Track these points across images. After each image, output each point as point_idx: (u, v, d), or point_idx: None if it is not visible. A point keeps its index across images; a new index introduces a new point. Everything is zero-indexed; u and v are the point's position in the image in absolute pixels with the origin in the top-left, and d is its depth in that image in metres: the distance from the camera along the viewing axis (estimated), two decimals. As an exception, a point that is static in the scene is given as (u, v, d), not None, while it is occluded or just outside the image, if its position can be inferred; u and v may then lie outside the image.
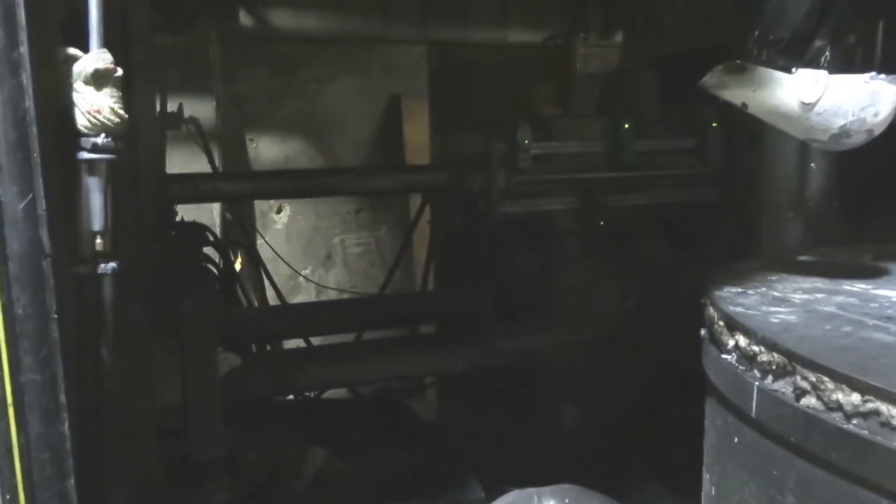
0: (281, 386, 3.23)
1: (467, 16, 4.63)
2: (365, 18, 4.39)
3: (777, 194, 2.53)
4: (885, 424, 0.97)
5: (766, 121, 1.55)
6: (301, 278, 4.81)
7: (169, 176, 3.10)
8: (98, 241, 1.59)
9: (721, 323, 1.33)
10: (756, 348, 1.20)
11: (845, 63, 1.82)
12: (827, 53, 1.77)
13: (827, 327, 1.26)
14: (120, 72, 1.55)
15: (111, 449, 1.70)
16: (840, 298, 1.43)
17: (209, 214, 4.27)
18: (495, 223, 3.14)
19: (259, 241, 4.57)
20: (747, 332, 1.24)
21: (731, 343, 1.28)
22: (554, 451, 3.08)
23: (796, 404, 1.09)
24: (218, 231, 4.17)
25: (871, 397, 0.99)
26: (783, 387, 1.13)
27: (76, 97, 1.50)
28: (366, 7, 4.38)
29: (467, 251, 3.62)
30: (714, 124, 3.16)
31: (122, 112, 1.55)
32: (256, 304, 4.11)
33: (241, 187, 3.40)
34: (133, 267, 1.95)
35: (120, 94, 1.55)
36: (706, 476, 1.42)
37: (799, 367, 1.10)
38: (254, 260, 4.12)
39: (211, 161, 4.27)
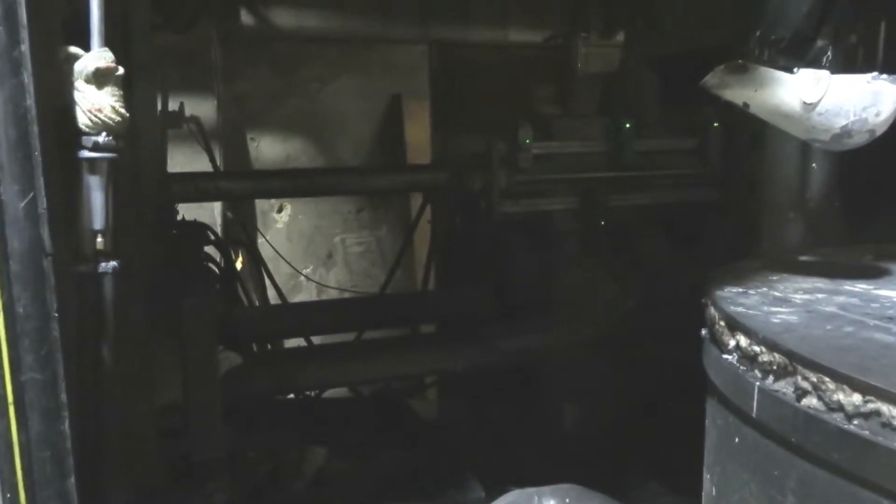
0: (281, 385, 3.23)
1: (468, 15, 4.62)
2: (366, 18, 4.39)
3: (778, 194, 2.53)
4: (886, 425, 0.97)
5: (767, 121, 1.55)
6: (302, 277, 4.81)
7: (170, 175, 3.10)
8: (99, 239, 1.59)
9: (722, 323, 1.33)
10: (757, 348, 1.20)
11: (847, 63, 1.82)
12: (829, 53, 1.76)
13: (828, 327, 1.26)
14: (121, 70, 1.56)
15: (111, 448, 1.71)
16: (841, 299, 1.43)
17: (210, 213, 4.26)
18: (496, 223, 3.14)
19: (260, 241, 4.56)
20: (748, 333, 1.23)
21: (732, 343, 1.28)
22: (554, 451, 3.08)
23: (797, 404, 1.09)
24: (219, 230, 4.17)
25: (872, 398, 0.99)
26: (784, 387, 1.13)
27: (77, 96, 1.51)
28: (367, 7, 4.37)
29: (468, 251, 3.62)
30: (715, 124, 3.15)
31: (123, 111, 1.55)
32: (257, 303, 4.11)
33: (242, 186, 3.40)
34: (134, 266, 1.95)
35: (121, 92, 1.55)
36: (707, 476, 1.42)
37: (800, 368, 1.10)
38: (255, 259, 4.12)
39: (212, 160, 4.26)
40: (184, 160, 4.14)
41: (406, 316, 3.71)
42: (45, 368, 1.36)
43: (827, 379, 1.05)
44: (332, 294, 4.84)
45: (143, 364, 2.22)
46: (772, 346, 1.16)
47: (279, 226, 4.77)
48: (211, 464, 2.63)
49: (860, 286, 1.52)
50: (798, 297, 1.44)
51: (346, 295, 4.80)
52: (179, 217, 3.18)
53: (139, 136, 2.22)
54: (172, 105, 3.85)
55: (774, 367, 1.15)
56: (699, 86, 1.54)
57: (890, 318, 1.29)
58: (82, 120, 1.52)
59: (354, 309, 3.78)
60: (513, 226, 3.30)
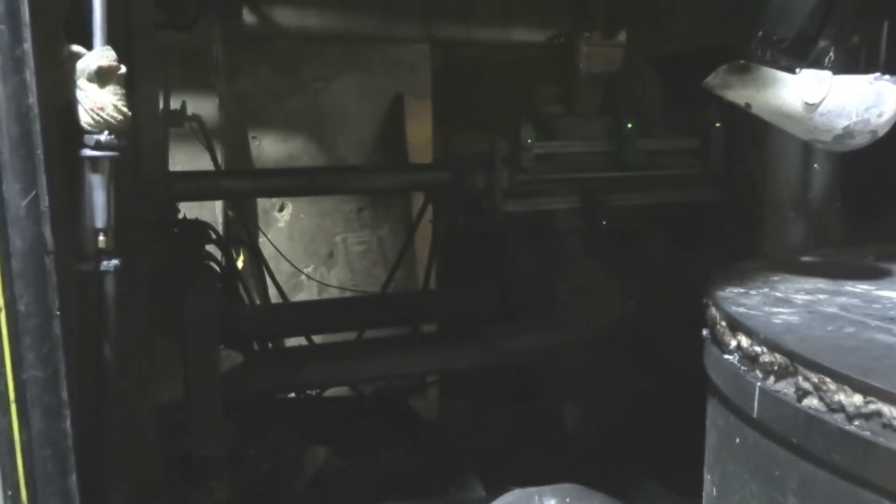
0: (282, 384, 3.24)
1: (470, 14, 4.63)
2: (368, 17, 4.40)
3: (780, 194, 2.52)
4: (888, 426, 0.97)
5: (769, 121, 1.55)
6: (303, 276, 4.81)
7: (172, 173, 3.10)
8: (101, 238, 1.59)
9: (723, 323, 1.33)
10: (758, 349, 1.20)
11: (849, 64, 1.82)
12: (831, 54, 1.76)
13: (829, 328, 1.26)
14: (123, 69, 1.56)
15: (112, 446, 1.71)
16: (842, 299, 1.43)
17: (211, 212, 4.26)
18: (498, 222, 3.14)
19: (261, 239, 4.57)
20: (749, 333, 1.23)
21: (733, 343, 1.28)
22: (555, 451, 3.08)
23: (798, 405, 1.09)
24: (220, 229, 4.18)
25: (874, 398, 0.99)
26: (785, 387, 1.13)
27: (79, 94, 1.51)
28: (369, 5, 4.38)
29: (469, 250, 3.62)
30: (717, 124, 3.15)
31: (125, 109, 1.55)
32: (258, 301, 4.12)
33: (243, 185, 3.40)
34: (135, 264, 1.95)
35: (123, 91, 1.55)
36: (707, 476, 1.42)
37: (801, 368, 1.10)
38: (256, 258, 4.12)
39: (214, 159, 4.26)
40: (185, 159, 4.14)
41: (407, 315, 3.71)
42: (46, 366, 1.36)
43: (828, 380, 1.05)
44: (334, 293, 4.84)
45: (144, 362, 2.22)
46: (773, 347, 1.16)
47: (280, 224, 4.78)
48: (212, 462, 2.63)
49: (862, 287, 1.52)
50: (799, 298, 1.44)
51: (348, 294, 4.80)
52: (181, 215, 3.19)
53: (141, 134, 2.22)
54: (174, 103, 3.84)
55: (775, 368, 1.15)
56: (701, 86, 1.54)
57: (891, 319, 1.29)
58: (84, 118, 1.52)
59: (355, 308, 3.78)
60: (515, 225, 3.30)
